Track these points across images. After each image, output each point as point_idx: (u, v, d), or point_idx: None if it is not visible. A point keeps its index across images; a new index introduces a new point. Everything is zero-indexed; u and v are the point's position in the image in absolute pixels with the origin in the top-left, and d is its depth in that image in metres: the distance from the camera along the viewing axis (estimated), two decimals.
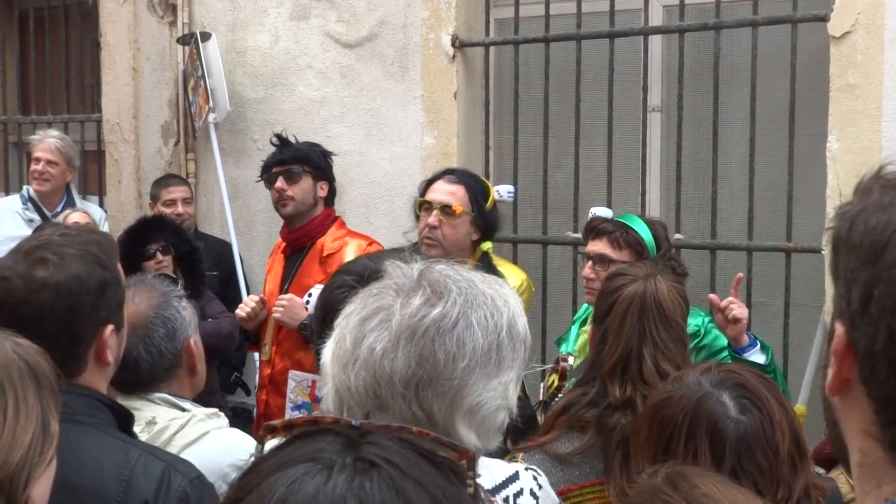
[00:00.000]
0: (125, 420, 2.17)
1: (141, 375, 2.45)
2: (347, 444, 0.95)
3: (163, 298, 2.51)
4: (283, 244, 4.41)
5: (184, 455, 2.32)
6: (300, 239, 4.31)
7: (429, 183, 3.79)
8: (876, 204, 1.05)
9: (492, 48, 5.03)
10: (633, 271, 2.67)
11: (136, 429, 2.38)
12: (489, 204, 3.76)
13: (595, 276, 3.41)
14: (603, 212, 3.68)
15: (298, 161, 4.26)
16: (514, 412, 1.46)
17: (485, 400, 1.38)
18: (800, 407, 3.90)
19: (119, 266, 2.15)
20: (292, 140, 4.42)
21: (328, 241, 4.27)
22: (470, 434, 1.37)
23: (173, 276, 2.92)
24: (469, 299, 1.40)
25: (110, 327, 2.08)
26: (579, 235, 4.51)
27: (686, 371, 2.00)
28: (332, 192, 4.38)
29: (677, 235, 4.48)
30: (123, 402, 2.44)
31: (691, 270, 4.14)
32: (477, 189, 3.76)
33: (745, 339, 3.29)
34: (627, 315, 2.53)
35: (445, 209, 3.66)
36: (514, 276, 3.81)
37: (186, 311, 2.54)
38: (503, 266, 3.86)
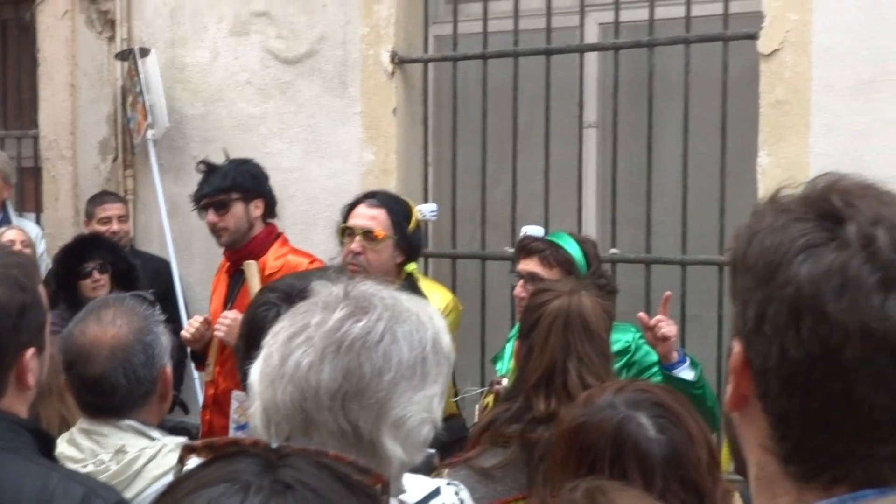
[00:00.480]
0: (46, 444, 2.11)
1: (116, 400, 2.41)
2: (265, 465, 0.96)
3: (143, 322, 2.46)
4: (227, 263, 4.41)
5: (156, 486, 2.30)
6: (242, 259, 4.29)
7: (350, 207, 3.79)
8: (769, 226, 1.09)
9: (430, 65, 5.07)
10: (557, 287, 2.73)
11: (105, 457, 2.37)
12: (412, 225, 3.77)
13: (526, 294, 3.45)
14: (534, 230, 3.71)
15: (225, 191, 4.23)
16: (439, 425, 1.49)
17: (410, 413, 1.41)
18: None
19: (41, 288, 2.11)
20: (224, 158, 4.41)
21: (270, 260, 4.26)
22: (396, 447, 1.40)
23: (151, 297, 2.89)
24: (395, 315, 1.44)
25: (31, 350, 2.04)
26: None
27: (595, 391, 2.01)
28: (269, 206, 4.36)
29: (613, 250, 4.55)
30: (90, 426, 2.43)
31: (626, 284, 4.22)
32: (399, 211, 3.77)
33: (675, 355, 3.34)
34: (552, 329, 2.57)
35: (368, 234, 3.66)
36: (439, 296, 3.84)
37: (164, 337, 2.49)
38: (428, 287, 3.87)
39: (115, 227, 5.31)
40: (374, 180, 4.93)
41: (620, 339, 3.38)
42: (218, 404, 4.21)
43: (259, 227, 4.31)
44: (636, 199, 4.65)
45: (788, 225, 1.07)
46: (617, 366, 3.28)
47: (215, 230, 4.28)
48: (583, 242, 3.55)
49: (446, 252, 4.88)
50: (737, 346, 1.11)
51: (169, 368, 2.50)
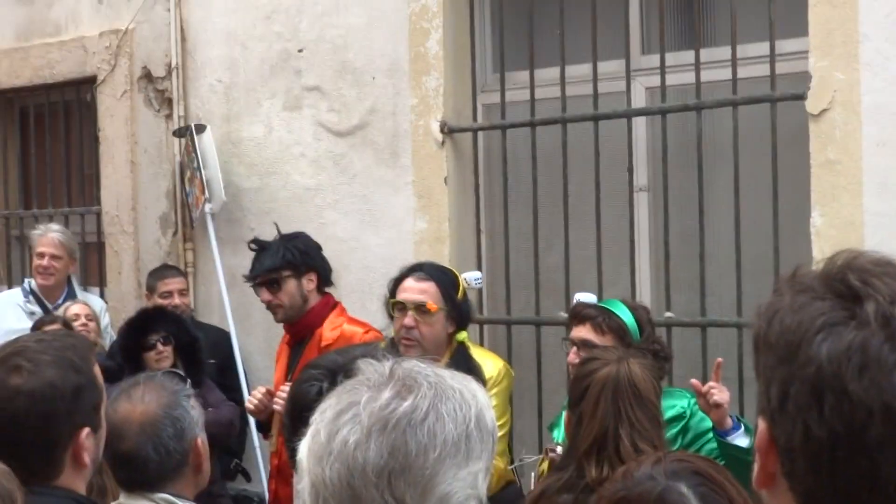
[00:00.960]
0: None
1: (148, 474, 2.47)
2: None
3: (172, 397, 2.54)
4: (287, 336, 4.47)
5: None
6: (301, 331, 4.38)
7: (397, 281, 3.82)
8: (789, 305, 1.10)
9: (480, 133, 5.13)
10: (605, 355, 2.75)
11: None
12: (460, 294, 3.80)
13: (579, 360, 3.47)
14: (586, 297, 3.74)
15: (276, 269, 4.31)
16: (484, 502, 1.51)
17: (455, 489, 1.43)
18: None
19: (96, 369, 2.19)
20: (276, 232, 4.50)
21: (326, 331, 4.32)
22: None
23: (182, 373, 2.99)
24: (438, 392, 1.47)
25: (86, 430, 2.11)
26: None
27: (632, 464, 2.00)
28: (323, 278, 4.41)
29: (667, 314, 4.53)
30: (126, 500, 2.49)
31: (681, 348, 4.21)
32: (447, 282, 3.79)
33: (729, 421, 3.32)
34: (601, 397, 2.60)
35: (420, 308, 3.69)
36: (491, 363, 3.85)
37: (195, 410, 2.57)
38: (480, 355, 3.88)
39: (176, 300, 5.41)
40: (428, 248, 4.99)
41: (675, 404, 3.38)
42: (283, 474, 4.24)
43: (315, 299, 4.38)
44: (689, 262, 4.63)
45: (808, 304, 1.08)
46: (672, 432, 3.30)
47: (270, 307, 4.37)
48: (635, 309, 3.56)
49: (501, 318, 4.89)
50: (762, 424, 1.12)
51: (201, 440, 2.55)
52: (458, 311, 3.76)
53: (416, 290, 3.75)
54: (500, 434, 3.54)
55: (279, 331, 5.23)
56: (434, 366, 1.54)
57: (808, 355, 1.06)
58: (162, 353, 4.68)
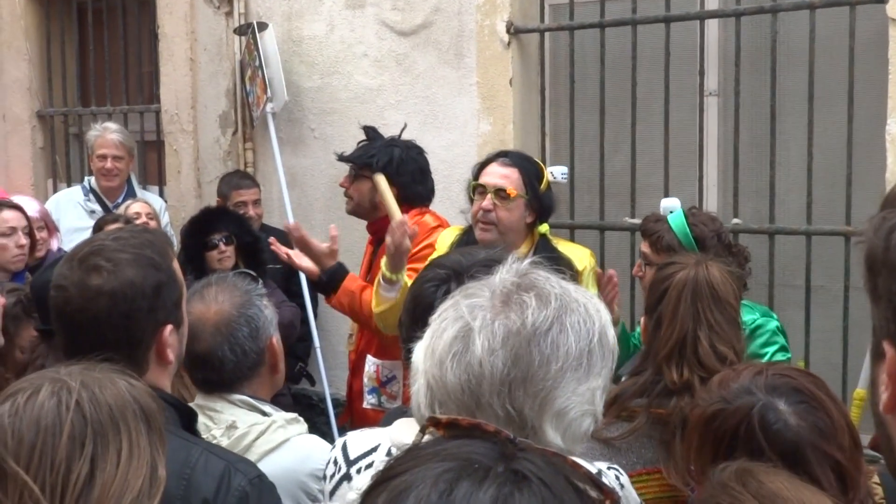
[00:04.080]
0: (189, 418, 2.21)
1: (225, 374, 2.52)
2: (504, 454, 1.01)
3: (245, 297, 2.57)
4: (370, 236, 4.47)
5: (263, 462, 2.36)
6: (378, 232, 4.34)
7: (482, 166, 3.82)
8: None
9: (547, 34, 5.12)
10: (683, 260, 2.76)
11: (217, 432, 2.47)
12: (543, 186, 3.79)
13: (642, 273, 3.61)
14: (669, 203, 3.75)
15: (360, 164, 4.28)
16: (601, 419, 1.55)
17: (573, 404, 1.46)
18: (860, 391, 3.97)
19: (175, 264, 2.21)
20: (383, 134, 4.45)
21: None
22: (556, 436, 1.44)
23: (253, 273, 3.01)
24: (564, 304, 1.49)
25: (169, 327, 2.14)
26: (637, 221, 4.47)
27: (731, 374, 1.99)
28: (403, 197, 4.26)
29: (735, 220, 4.55)
30: (204, 402, 2.55)
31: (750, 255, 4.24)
32: (531, 171, 3.78)
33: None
34: (681, 300, 2.59)
35: (500, 192, 3.68)
36: (582, 253, 3.84)
37: (268, 310, 2.59)
38: (565, 247, 3.90)
39: (250, 211, 5.43)
40: (491, 151, 4.83)
41: (744, 318, 3.40)
42: (357, 368, 4.30)
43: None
44: (759, 169, 4.65)
45: None
46: None
47: (345, 194, 4.37)
48: (696, 225, 3.55)
49: (564, 223, 4.92)
50: (890, 351, 1.06)
51: (276, 340, 2.61)
52: (539, 202, 3.75)
53: (499, 174, 3.73)
54: None
55: (339, 233, 5.22)
56: (560, 279, 1.55)
57: None
58: (224, 253, 4.74)
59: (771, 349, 3.41)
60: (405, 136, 4.47)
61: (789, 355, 3.49)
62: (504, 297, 1.48)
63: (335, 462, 2.04)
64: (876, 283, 1.06)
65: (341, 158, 4.42)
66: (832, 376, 4.15)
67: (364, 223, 4.44)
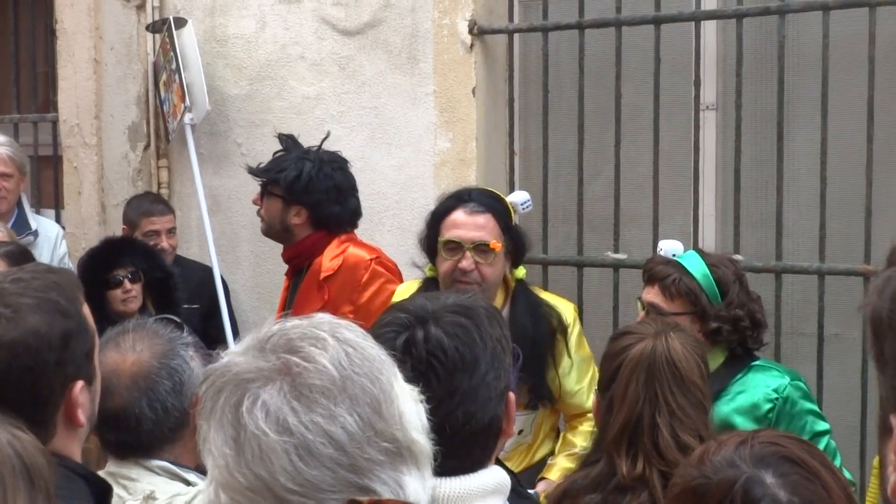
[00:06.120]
0: (101, 493, 2.16)
1: (142, 436, 2.47)
2: None
3: (168, 346, 2.54)
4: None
5: None
6: (294, 259, 4.36)
7: (442, 215, 3.67)
8: None
9: (516, 35, 5.07)
10: (641, 329, 2.74)
11: None
12: (514, 223, 3.75)
13: None
14: (670, 247, 3.63)
15: (268, 180, 4.32)
16: None
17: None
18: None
19: (85, 309, 2.17)
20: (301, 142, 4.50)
21: (326, 260, 4.28)
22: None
23: (177, 319, 2.95)
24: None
25: (80, 384, 2.10)
26: (621, 256, 4.59)
27: (712, 445, 1.93)
28: (315, 219, 4.28)
29: (736, 256, 4.45)
30: (117, 469, 2.49)
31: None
32: (502, 212, 3.69)
33: None
34: (633, 378, 2.60)
35: (480, 248, 3.57)
36: (565, 307, 3.83)
37: (195, 362, 2.55)
38: (549, 297, 3.88)
39: (163, 242, 5.29)
40: (451, 172, 5.01)
41: (768, 385, 3.38)
42: None
43: (304, 233, 4.32)
44: (764, 196, 4.61)
45: None
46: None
47: (258, 213, 4.42)
48: (717, 266, 3.48)
49: (536, 258, 4.78)
50: None
51: None
52: (514, 244, 3.68)
53: (473, 225, 3.60)
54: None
55: (269, 266, 5.18)
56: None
57: None
58: (129, 292, 4.54)
59: (821, 443, 3.35)
60: (351, 153, 4.49)
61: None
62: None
63: None
64: (882, 349, 1.10)
65: (251, 171, 4.45)
66: (849, 441, 4.18)
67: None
